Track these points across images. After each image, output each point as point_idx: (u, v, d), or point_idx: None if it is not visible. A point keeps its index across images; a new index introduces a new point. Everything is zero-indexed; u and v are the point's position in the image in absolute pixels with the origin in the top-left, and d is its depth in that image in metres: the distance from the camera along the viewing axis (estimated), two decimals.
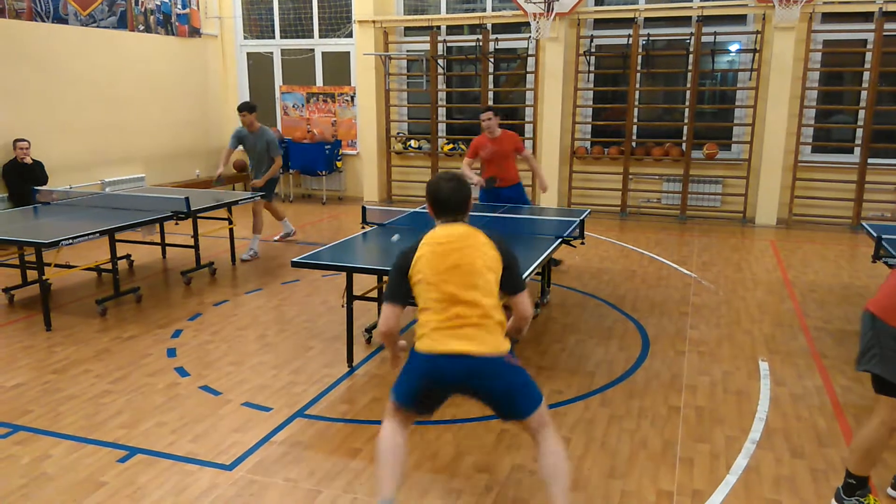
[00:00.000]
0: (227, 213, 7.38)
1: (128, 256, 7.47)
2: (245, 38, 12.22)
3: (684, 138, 10.05)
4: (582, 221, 5.62)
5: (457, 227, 2.91)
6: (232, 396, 4.34)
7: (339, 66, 11.82)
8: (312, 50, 11.90)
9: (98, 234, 5.68)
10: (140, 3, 10.35)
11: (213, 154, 11.57)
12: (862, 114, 9.28)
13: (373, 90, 11.31)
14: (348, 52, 11.66)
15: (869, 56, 9.13)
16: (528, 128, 10.80)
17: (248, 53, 12.27)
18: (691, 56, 9.73)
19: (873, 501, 3.05)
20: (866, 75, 9.18)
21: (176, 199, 6.61)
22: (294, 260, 4.74)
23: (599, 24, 10.39)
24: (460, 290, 2.77)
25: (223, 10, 12.00)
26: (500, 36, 10.62)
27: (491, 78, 10.77)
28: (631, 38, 9.87)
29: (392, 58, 11.28)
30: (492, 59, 10.69)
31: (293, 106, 11.98)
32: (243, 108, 7.63)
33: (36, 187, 7.49)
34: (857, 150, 9.40)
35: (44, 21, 9.01)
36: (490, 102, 10.75)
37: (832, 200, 9.52)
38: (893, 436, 2.99)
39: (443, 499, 3.27)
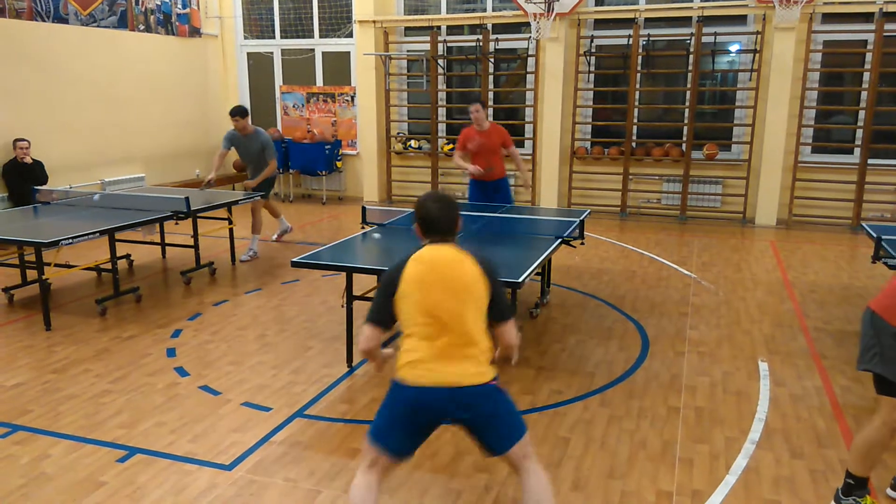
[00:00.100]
0: (227, 213, 7.38)
1: (127, 256, 7.47)
2: (245, 37, 12.22)
3: (684, 139, 10.04)
4: (582, 222, 5.62)
5: (445, 249, 2.77)
6: (231, 396, 4.34)
7: (339, 66, 11.82)
8: (313, 50, 11.90)
9: (98, 234, 5.68)
10: (140, 2, 10.35)
11: (213, 154, 11.53)
12: (862, 114, 9.28)
13: (373, 90, 11.31)
14: (348, 52, 11.66)
15: (869, 57, 9.13)
16: (528, 128, 10.80)
17: (248, 53, 12.27)
18: (691, 56, 9.73)
19: (871, 503, 3.05)
20: (866, 76, 9.18)
21: (176, 199, 6.60)
22: (294, 260, 4.74)
23: (600, 24, 10.39)
24: (447, 315, 2.65)
25: (223, 10, 12.00)
26: (500, 36, 10.61)
27: (491, 78, 10.77)
28: (631, 39, 9.87)
29: (392, 58, 11.28)
30: (492, 60, 10.69)
31: (293, 106, 11.98)
32: (235, 114, 7.51)
33: (36, 187, 7.49)
34: (857, 151, 9.40)
35: (44, 21, 9.01)
36: (490, 102, 10.75)
37: (832, 201, 9.51)
38: (893, 437, 2.98)
39: (442, 498, 3.27)
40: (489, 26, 10.56)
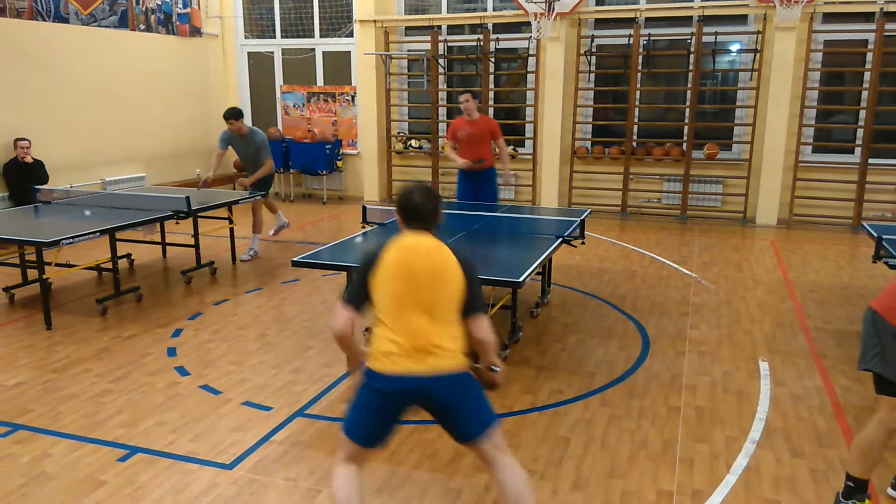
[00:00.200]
0: (228, 213, 7.38)
1: (128, 256, 7.47)
2: (246, 37, 12.22)
3: (685, 138, 10.04)
4: (582, 221, 5.62)
5: (425, 239, 2.78)
6: (232, 396, 4.34)
7: (339, 66, 11.82)
8: (313, 49, 11.90)
9: (98, 234, 5.68)
10: (141, 2, 10.35)
11: (213, 154, 11.56)
12: (862, 114, 9.28)
13: (373, 90, 11.31)
14: (349, 52, 11.66)
15: (870, 56, 9.13)
16: (529, 127, 10.80)
17: (248, 53, 12.27)
18: (692, 56, 9.72)
19: None
20: (867, 75, 9.18)
21: (176, 199, 6.61)
22: (294, 259, 4.75)
23: (600, 23, 10.39)
24: (421, 303, 2.66)
25: (224, 10, 12.00)
26: (500, 36, 10.61)
27: (492, 78, 10.76)
28: (632, 38, 9.87)
29: (393, 57, 11.28)
30: (492, 59, 10.68)
31: (294, 105, 11.98)
32: (229, 117, 7.40)
33: (36, 186, 7.50)
34: (858, 151, 9.39)
35: (45, 20, 9.01)
36: (491, 102, 10.76)
37: (833, 200, 9.51)
38: (893, 437, 2.98)
39: (442, 498, 3.28)
40: (490, 26, 10.56)
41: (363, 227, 5.89)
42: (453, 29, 11.12)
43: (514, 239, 5.77)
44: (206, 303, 6.22)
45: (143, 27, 10.45)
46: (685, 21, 9.92)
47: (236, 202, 7.30)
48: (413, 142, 11.44)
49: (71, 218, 6.23)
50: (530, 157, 10.75)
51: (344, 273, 4.81)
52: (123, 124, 10.11)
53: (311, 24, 11.76)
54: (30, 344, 5.22)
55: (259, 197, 7.65)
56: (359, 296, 2.76)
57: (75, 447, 3.71)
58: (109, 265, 6.18)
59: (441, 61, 10.98)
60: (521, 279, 4.28)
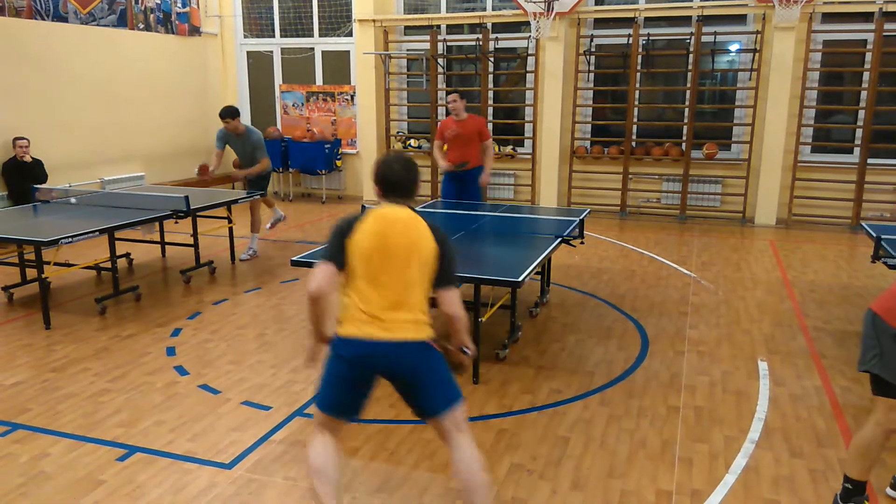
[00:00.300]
0: (227, 213, 7.38)
1: (127, 255, 7.46)
2: (245, 36, 12.21)
3: (684, 138, 10.04)
4: (582, 221, 5.62)
5: (402, 210, 2.80)
6: (231, 395, 4.34)
7: (338, 65, 11.81)
8: (312, 49, 11.89)
9: (97, 233, 5.67)
10: (140, 1, 10.34)
11: (212, 153, 11.54)
12: (862, 114, 9.28)
13: (373, 89, 11.31)
14: (348, 51, 11.65)
15: (869, 56, 9.13)
16: (528, 127, 10.80)
17: (248, 52, 12.26)
18: (691, 56, 9.72)
19: None
20: (866, 75, 9.18)
21: (175, 198, 6.60)
22: (293, 259, 4.75)
23: (599, 23, 10.39)
24: (393, 272, 2.69)
25: (223, 9, 11.99)
26: (500, 35, 10.60)
27: (491, 77, 10.76)
28: (631, 38, 9.87)
29: (392, 57, 11.28)
30: (492, 59, 10.68)
31: (293, 105, 11.97)
32: (225, 116, 7.36)
33: (35, 185, 7.49)
34: (857, 151, 9.40)
35: (43, 19, 8.99)
36: (490, 102, 10.76)
37: (832, 200, 9.52)
38: (890, 438, 2.98)
39: (441, 498, 3.27)
40: (489, 25, 10.55)
41: None
42: (452, 28, 11.12)
43: (513, 238, 5.77)
44: (205, 302, 6.22)
45: (142, 26, 10.44)
46: (684, 21, 9.92)
47: (235, 202, 7.30)
48: (412, 141, 11.44)
49: (70, 217, 6.23)
50: (529, 156, 10.75)
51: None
52: (122, 123, 10.10)
53: (311, 23, 11.76)
54: (28, 343, 5.22)
55: (258, 196, 7.65)
56: (337, 254, 2.75)
57: (74, 446, 3.71)
58: (108, 264, 6.18)
59: (440, 61, 10.98)
60: (520, 279, 4.28)
